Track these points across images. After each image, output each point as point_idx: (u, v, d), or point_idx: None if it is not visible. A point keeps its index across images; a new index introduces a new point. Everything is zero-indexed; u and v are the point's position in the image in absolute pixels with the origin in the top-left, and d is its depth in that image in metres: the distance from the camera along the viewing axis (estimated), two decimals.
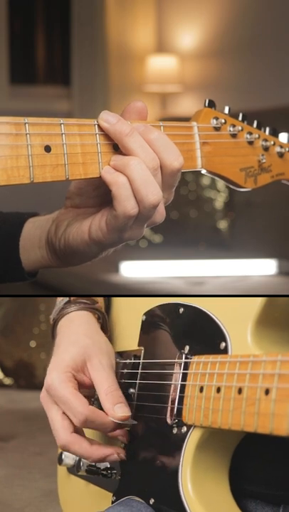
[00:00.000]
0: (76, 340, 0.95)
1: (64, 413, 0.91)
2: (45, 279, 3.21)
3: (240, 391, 0.75)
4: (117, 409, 0.89)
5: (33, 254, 0.88)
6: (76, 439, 0.90)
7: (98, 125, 0.75)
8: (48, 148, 0.71)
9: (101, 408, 0.92)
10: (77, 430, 0.92)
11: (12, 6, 4.31)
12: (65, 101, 4.41)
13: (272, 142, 0.91)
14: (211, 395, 0.80)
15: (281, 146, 0.92)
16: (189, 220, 3.61)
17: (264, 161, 0.90)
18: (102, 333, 0.99)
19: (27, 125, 0.69)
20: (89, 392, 0.94)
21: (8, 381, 3.46)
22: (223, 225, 3.52)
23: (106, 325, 1.04)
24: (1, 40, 4.25)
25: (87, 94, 4.28)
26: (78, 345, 0.95)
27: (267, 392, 0.70)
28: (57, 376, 0.92)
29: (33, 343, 3.44)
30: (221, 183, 3.46)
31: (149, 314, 1.01)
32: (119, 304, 1.10)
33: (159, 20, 4.42)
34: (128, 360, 1.02)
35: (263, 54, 3.76)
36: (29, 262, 0.89)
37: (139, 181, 0.74)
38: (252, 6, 3.86)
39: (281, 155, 0.92)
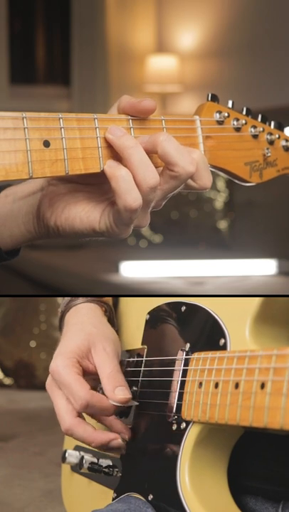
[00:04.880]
0: (81, 329, 0.96)
1: (68, 398, 0.91)
2: (45, 279, 3.21)
3: (236, 386, 0.75)
4: (117, 391, 0.89)
5: (16, 229, 0.82)
6: (80, 423, 0.90)
7: (97, 119, 0.74)
8: (46, 143, 0.70)
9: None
10: (81, 416, 0.92)
11: (12, 6, 4.32)
12: (65, 101, 4.41)
13: (277, 136, 0.89)
14: (209, 390, 0.80)
15: (287, 140, 0.90)
16: (189, 220, 3.61)
17: (269, 154, 0.88)
18: (108, 324, 1.00)
19: (25, 119, 0.69)
20: (94, 380, 0.94)
21: (8, 381, 3.46)
22: (223, 225, 3.52)
23: (113, 318, 1.04)
24: (1, 40, 4.26)
25: (87, 94, 4.29)
26: (83, 332, 0.95)
27: (262, 386, 0.71)
28: (61, 361, 0.92)
29: (33, 343, 3.44)
30: (221, 183, 3.46)
31: (153, 313, 1.01)
32: (124, 303, 1.11)
33: (159, 20, 4.43)
34: (131, 359, 1.02)
35: (263, 54, 3.76)
36: (11, 238, 0.83)
37: (136, 164, 0.73)
38: (252, 6, 3.87)
39: (287, 149, 0.90)
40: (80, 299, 1.03)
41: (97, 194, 0.77)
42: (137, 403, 0.93)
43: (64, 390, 0.91)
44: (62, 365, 0.91)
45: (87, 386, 0.90)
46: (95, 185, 0.78)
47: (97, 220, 0.76)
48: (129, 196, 0.72)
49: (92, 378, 0.94)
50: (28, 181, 0.81)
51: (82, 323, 0.97)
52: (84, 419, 0.92)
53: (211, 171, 0.83)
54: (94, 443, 0.91)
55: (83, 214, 0.76)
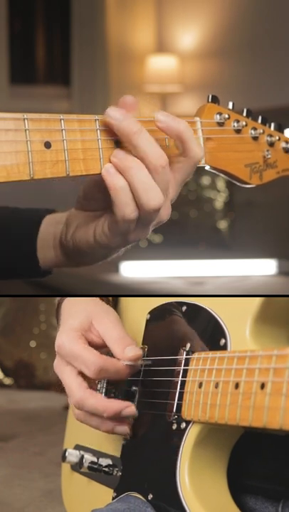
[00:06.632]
0: (79, 308, 0.96)
1: (78, 373, 0.90)
2: (46, 279, 3.20)
3: (237, 386, 0.75)
4: (127, 350, 0.89)
5: (48, 252, 0.89)
6: (91, 394, 0.89)
7: (99, 120, 0.74)
8: (47, 144, 0.70)
9: None
10: (92, 388, 0.91)
11: (12, 6, 4.31)
12: (65, 101, 4.41)
13: (277, 137, 0.90)
14: (209, 390, 0.80)
15: (287, 142, 0.90)
16: (189, 220, 3.61)
17: (269, 156, 0.89)
18: (105, 303, 1.00)
19: (26, 121, 0.69)
20: (102, 351, 0.94)
21: (8, 381, 3.46)
22: (223, 225, 3.52)
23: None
24: (1, 40, 4.25)
25: (87, 94, 4.29)
26: (82, 309, 0.95)
27: (262, 386, 0.71)
28: (66, 336, 0.91)
29: (33, 343, 3.44)
30: (221, 183, 3.46)
31: (154, 313, 1.01)
32: (125, 303, 1.11)
33: (159, 20, 4.43)
34: None
35: (263, 54, 3.77)
36: (45, 260, 0.90)
37: (139, 186, 0.73)
38: (252, 6, 3.87)
39: (287, 150, 0.91)
40: None
41: (101, 213, 0.81)
42: (149, 362, 0.93)
43: (74, 363, 0.90)
44: (67, 339, 0.91)
45: (97, 352, 0.89)
46: (102, 210, 0.81)
47: (92, 233, 0.80)
48: (127, 208, 0.74)
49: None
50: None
51: (79, 304, 0.97)
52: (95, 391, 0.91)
53: (211, 172, 0.84)
54: (106, 412, 0.88)
55: (81, 233, 0.82)
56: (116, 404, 0.89)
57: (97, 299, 1.00)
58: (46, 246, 0.89)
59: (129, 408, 0.89)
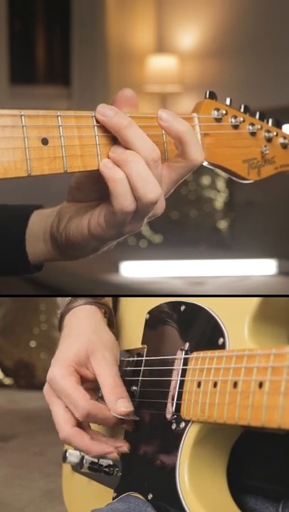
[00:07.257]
0: (80, 335, 0.95)
1: (67, 407, 0.91)
2: (46, 279, 3.21)
3: (235, 385, 0.75)
4: (119, 403, 0.89)
5: (38, 247, 0.88)
6: (77, 433, 0.90)
7: (95, 117, 0.74)
8: (45, 141, 0.70)
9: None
10: (80, 424, 0.91)
11: (12, 6, 4.31)
12: (65, 101, 4.41)
13: (275, 133, 0.89)
14: (208, 390, 0.80)
15: (284, 137, 0.90)
16: (189, 220, 3.61)
17: (267, 152, 0.88)
18: (107, 328, 0.99)
19: (23, 117, 0.69)
20: (93, 385, 0.94)
21: (8, 381, 3.46)
22: (223, 225, 3.52)
23: (113, 320, 1.04)
24: (1, 40, 4.25)
25: (87, 94, 4.29)
26: (82, 339, 0.95)
27: (260, 385, 0.71)
28: (58, 370, 0.91)
29: (33, 343, 3.44)
30: (221, 183, 3.46)
31: (153, 313, 1.01)
32: (125, 303, 1.11)
33: (159, 20, 4.42)
34: (130, 358, 1.02)
35: (263, 54, 3.76)
36: (34, 255, 0.89)
37: (137, 179, 0.74)
38: (252, 6, 3.87)
39: (285, 146, 0.91)
40: (80, 301, 1.02)
41: (95, 204, 0.80)
42: (137, 418, 0.93)
43: (64, 399, 0.91)
44: (59, 375, 0.91)
45: (87, 395, 0.90)
46: (96, 201, 0.80)
47: (86, 224, 0.79)
48: (126, 200, 0.74)
49: (89, 387, 0.94)
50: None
51: (80, 328, 0.97)
52: (82, 428, 0.92)
53: (211, 172, 0.84)
54: (90, 453, 0.91)
55: (74, 225, 0.81)
56: (99, 448, 0.91)
57: (100, 321, 0.99)
58: (36, 241, 0.89)
59: (112, 454, 0.92)
